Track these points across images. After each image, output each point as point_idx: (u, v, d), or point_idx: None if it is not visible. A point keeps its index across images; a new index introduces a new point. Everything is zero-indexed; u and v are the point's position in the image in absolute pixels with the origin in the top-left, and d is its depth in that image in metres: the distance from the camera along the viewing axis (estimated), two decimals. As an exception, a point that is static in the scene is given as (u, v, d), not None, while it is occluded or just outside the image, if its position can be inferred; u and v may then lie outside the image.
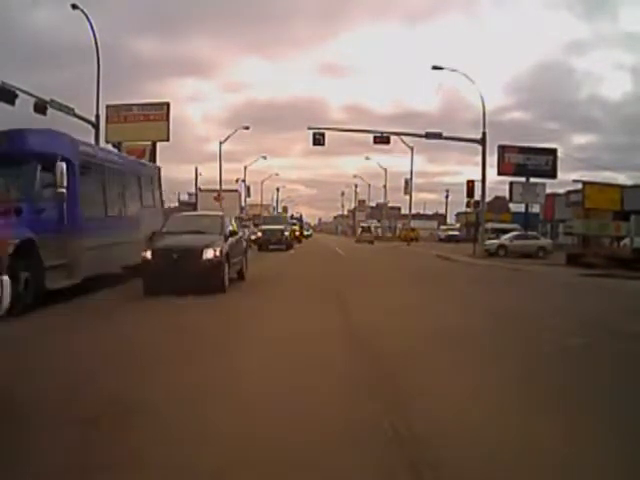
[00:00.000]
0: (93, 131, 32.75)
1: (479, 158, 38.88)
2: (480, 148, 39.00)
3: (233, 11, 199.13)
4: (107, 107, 40.69)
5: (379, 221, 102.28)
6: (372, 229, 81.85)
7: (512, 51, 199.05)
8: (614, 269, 25.74)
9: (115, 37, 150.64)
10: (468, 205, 43.55)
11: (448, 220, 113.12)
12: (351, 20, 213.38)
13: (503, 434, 4.87)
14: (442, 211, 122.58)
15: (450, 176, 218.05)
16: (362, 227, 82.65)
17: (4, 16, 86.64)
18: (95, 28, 31.91)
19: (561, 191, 58.55)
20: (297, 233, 53.31)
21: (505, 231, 47.99)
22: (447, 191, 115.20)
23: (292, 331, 9.42)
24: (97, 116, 32.90)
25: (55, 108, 29.13)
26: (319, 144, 40.76)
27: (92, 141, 32.99)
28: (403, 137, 48.78)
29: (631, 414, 5.53)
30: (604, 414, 5.51)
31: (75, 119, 31.62)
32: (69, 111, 30.44)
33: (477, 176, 40.85)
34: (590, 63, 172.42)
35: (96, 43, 32.13)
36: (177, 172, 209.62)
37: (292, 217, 65.01)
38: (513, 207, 63.73)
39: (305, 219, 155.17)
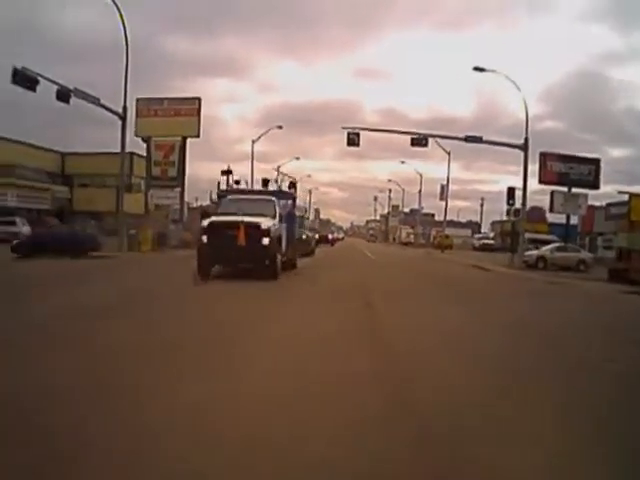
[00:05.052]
0: (120, 123, 31.84)
1: (513, 167, 38.79)
2: (517, 156, 38.32)
3: (267, 13, 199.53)
4: (137, 100, 40.13)
5: (413, 227, 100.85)
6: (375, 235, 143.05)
7: (546, 60, 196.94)
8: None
9: (150, 35, 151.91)
10: (508, 213, 41.85)
11: (482, 229, 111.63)
12: (386, 25, 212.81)
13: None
14: (475, 219, 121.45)
15: (484, 184, 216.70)
16: (371, 234, 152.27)
17: (43, 13, 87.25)
18: (126, 22, 31.23)
19: (597, 203, 56.65)
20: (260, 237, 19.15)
21: (542, 242, 46.28)
22: (482, 199, 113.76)
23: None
24: (124, 107, 32.00)
25: (79, 97, 28.22)
26: (354, 144, 39.63)
27: (119, 134, 32.24)
28: (440, 142, 47.47)
29: None
30: None
31: (102, 111, 30.82)
32: (94, 100, 29.54)
33: (512, 184, 39.65)
34: (627, 75, 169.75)
35: (125, 34, 31.41)
36: (209, 170, 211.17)
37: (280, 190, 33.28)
38: (550, 218, 61.94)
39: (338, 222, 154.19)
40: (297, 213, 29.32)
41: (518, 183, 39.78)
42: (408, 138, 40.55)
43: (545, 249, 40.11)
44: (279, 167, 75.35)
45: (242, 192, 25.27)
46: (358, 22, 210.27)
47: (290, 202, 25.36)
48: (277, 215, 20.71)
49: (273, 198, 22.18)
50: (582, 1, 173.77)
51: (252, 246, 18.41)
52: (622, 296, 21.87)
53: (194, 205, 74.90)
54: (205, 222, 19.71)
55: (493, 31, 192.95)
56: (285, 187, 29.84)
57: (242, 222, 18.57)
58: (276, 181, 71.09)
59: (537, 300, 18.92)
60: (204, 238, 18.97)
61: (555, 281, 27.15)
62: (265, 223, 19.13)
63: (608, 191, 69.21)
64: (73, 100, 27.81)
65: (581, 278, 30.36)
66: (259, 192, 25.50)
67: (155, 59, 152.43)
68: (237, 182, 27.48)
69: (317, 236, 57.00)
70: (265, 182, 33.25)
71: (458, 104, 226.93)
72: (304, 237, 35.71)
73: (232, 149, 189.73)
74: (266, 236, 18.74)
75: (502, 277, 29.38)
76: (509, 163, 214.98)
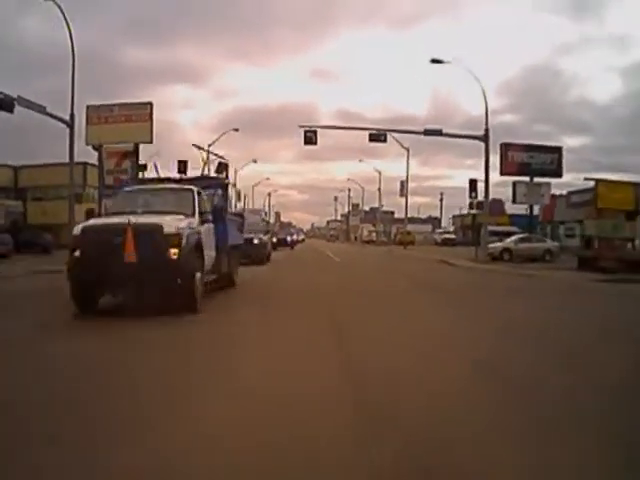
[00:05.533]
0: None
1: (471, 161, 38.68)
2: (476, 149, 38.12)
3: (222, 19, 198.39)
4: (87, 107, 38.71)
5: (374, 225, 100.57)
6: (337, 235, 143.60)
7: (500, 54, 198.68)
8: (631, 273, 23.73)
9: (105, 45, 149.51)
10: (471, 206, 41.33)
11: (442, 223, 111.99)
12: (339, 25, 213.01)
13: None
14: (435, 214, 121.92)
15: (442, 180, 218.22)
16: (331, 234, 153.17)
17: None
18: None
19: (557, 192, 56.82)
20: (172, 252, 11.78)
21: (504, 234, 45.99)
22: (442, 194, 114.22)
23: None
24: (72, 115, 30.75)
25: (23, 106, 26.98)
26: (311, 143, 39.07)
27: (67, 142, 31.02)
28: (399, 138, 47.07)
29: None
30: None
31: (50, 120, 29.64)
32: (40, 109, 28.31)
33: (470, 178, 39.38)
34: (579, 65, 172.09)
35: (71, 39, 30.30)
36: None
37: (204, 176, 23.90)
38: (510, 209, 62.00)
39: (299, 224, 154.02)
40: (230, 208, 22.84)
41: (477, 177, 39.46)
42: (366, 137, 40.10)
43: (509, 240, 39.74)
44: (236, 171, 74.24)
45: (146, 182, 17.83)
46: (311, 23, 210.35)
47: (220, 192, 17.70)
48: (196, 212, 13.87)
49: (191, 187, 15.12)
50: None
51: (151, 262, 11.51)
52: (593, 285, 21.41)
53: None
54: (77, 228, 12.68)
55: (447, 28, 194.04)
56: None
57: (130, 225, 11.50)
58: (234, 185, 69.47)
59: (508, 289, 18.38)
60: (77, 253, 12.02)
61: (524, 273, 26.77)
62: (172, 225, 12.17)
63: (567, 180, 69.74)
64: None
65: (550, 268, 29.97)
66: (171, 180, 18.21)
67: (113, 69, 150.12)
68: (142, 167, 18.73)
69: (275, 239, 52.73)
70: (182, 165, 24.13)
71: (415, 102, 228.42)
72: (255, 241, 30.42)
73: (192, 155, 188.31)
74: (174, 245, 11.85)
75: (470, 271, 28.85)
76: (466, 157, 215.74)
